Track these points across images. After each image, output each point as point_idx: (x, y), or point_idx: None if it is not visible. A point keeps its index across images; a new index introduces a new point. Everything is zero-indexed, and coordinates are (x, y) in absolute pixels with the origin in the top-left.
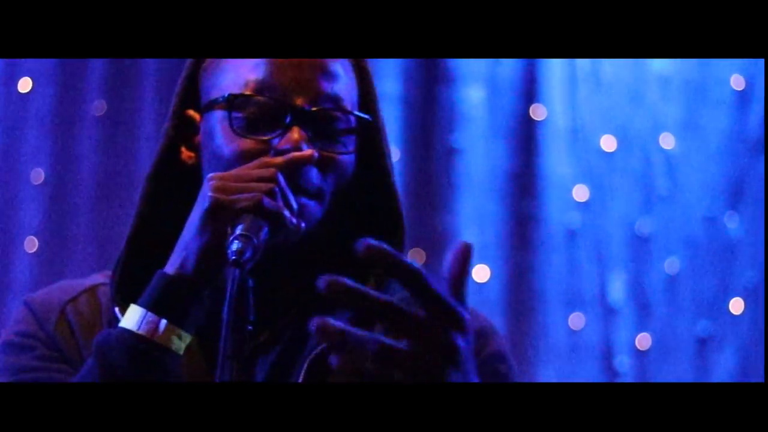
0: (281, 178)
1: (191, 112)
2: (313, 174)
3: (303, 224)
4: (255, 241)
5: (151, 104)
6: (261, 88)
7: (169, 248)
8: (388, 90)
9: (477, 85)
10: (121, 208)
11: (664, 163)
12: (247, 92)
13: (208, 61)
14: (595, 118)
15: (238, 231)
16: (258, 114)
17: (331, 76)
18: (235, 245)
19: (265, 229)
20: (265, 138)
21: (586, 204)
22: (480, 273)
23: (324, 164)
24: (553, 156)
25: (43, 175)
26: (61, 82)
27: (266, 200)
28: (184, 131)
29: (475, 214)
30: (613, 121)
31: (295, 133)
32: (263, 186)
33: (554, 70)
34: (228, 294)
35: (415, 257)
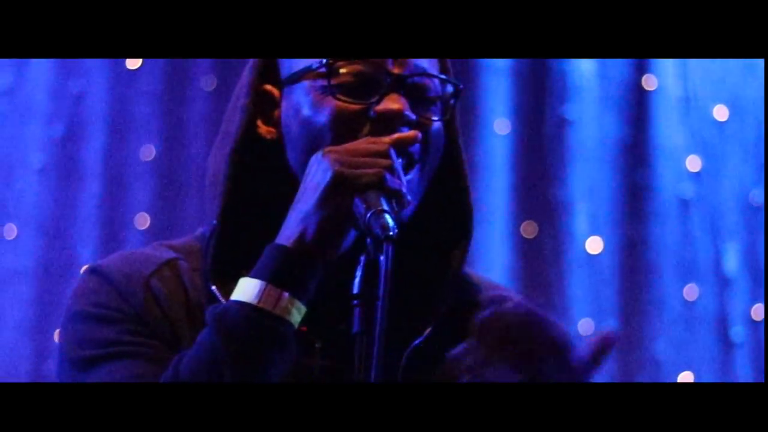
0: (395, 155)
1: (269, 87)
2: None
3: (410, 199)
4: (395, 217)
5: None
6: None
7: (256, 225)
8: (498, 62)
9: None
10: None
11: None
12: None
13: None
14: (707, 88)
15: (377, 207)
16: (355, 80)
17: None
18: (381, 220)
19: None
20: (363, 102)
21: (698, 174)
22: (593, 245)
23: (422, 131)
24: (665, 126)
25: (153, 152)
26: (170, 58)
27: (389, 176)
28: (262, 106)
29: (587, 185)
30: (725, 91)
31: (395, 101)
32: (383, 162)
33: None
34: (383, 271)
35: (527, 229)
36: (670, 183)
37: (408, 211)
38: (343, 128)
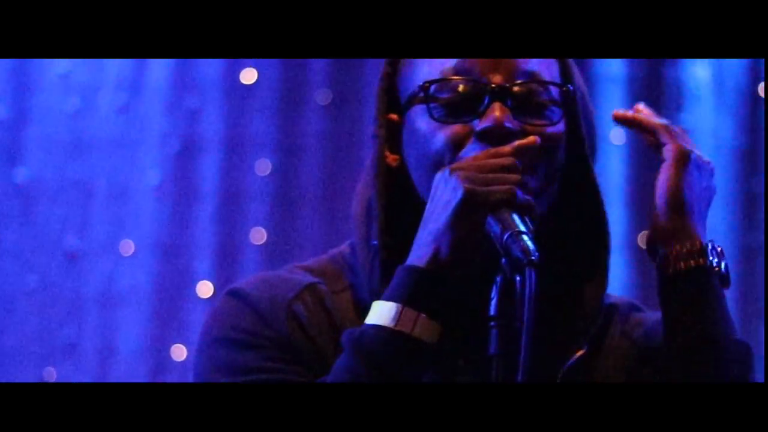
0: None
1: (393, 116)
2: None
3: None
4: (533, 237)
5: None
6: (456, 73)
7: (401, 248)
8: (613, 72)
9: (703, 63)
10: (347, 198)
11: None
12: (442, 78)
13: (403, 61)
14: None
15: (514, 228)
16: (456, 98)
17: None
18: (522, 244)
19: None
20: (467, 120)
21: None
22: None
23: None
24: None
25: (270, 166)
26: (285, 72)
27: (520, 192)
28: (388, 135)
29: None
30: None
31: (497, 110)
32: (512, 177)
33: None
34: (527, 297)
35: (643, 239)
36: None
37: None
38: (454, 150)
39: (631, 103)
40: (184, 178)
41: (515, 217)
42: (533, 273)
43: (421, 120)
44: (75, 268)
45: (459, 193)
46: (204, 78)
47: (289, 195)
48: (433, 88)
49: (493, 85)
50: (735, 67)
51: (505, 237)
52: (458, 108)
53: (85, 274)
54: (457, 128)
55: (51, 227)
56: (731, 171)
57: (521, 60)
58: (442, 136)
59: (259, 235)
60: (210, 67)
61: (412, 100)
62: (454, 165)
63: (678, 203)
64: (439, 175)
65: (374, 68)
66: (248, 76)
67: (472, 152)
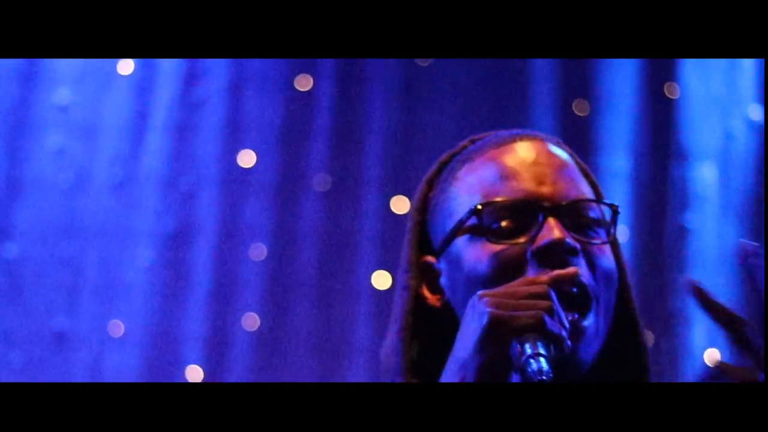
0: (555, 297)
1: (427, 258)
2: (583, 276)
3: (570, 345)
4: (550, 361)
5: (376, 179)
6: (502, 194)
7: None
8: (618, 167)
9: (709, 162)
10: (344, 286)
11: None
12: (493, 200)
13: (432, 204)
14: None
15: (533, 350)
16: (509, 219)
17: (566, 171)
18: (536, 364)
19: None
20: (522, 240)
21: None
22: (710, 357)
23: (588, 257)
24: None
25: (265, 252)
26: (284, 156)
27: (548, 319)
28: (425, 278)
29: None
30: None
31: (555, 228)
32: (542, 304)
33: None
34: None
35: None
36: None
37: (592, 351)
38: (507, 271)
39: (635, 202)
40: (177, 260)
41: (539, 342)
42: None
43: (469, 247)
44: (62, 349)
45: (485, 319)
46: (200, 159)
47: (284, 281)
48: (485, 209)
49: (546, 203)
50: (741, 167)
51: (523, 359)
52: (511, 229)
53: (72, 354)
54: (506, 249)
55: (39, 305)
56: (736, 275)
57: (566, 178)
58: (489, 258)
59: (251, 321)
60: (207, 148)
61: (453, 234)
62: (483, 291)
63: None
64: (469, 302)
65: (373, 156)
66: (246, 159)
67: (531, 274)
